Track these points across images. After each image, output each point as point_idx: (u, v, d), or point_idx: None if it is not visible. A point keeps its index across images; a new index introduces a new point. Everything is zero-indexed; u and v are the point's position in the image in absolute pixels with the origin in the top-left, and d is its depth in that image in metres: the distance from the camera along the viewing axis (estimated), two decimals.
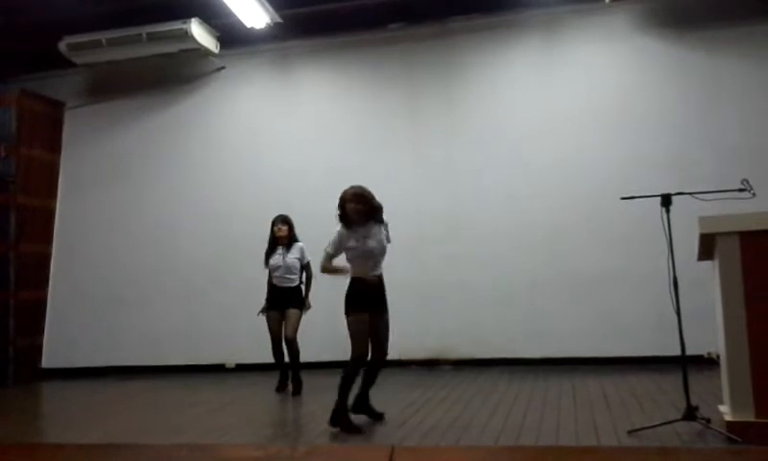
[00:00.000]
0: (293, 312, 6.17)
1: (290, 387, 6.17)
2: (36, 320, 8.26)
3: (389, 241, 4.76)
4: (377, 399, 4.90)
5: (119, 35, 7.57)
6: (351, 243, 4.61)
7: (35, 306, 8.22)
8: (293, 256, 6.24)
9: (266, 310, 6.30)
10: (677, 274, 4.13)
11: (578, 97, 7.29)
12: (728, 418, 3.81)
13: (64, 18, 7.39)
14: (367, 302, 4.55)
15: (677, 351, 4.11)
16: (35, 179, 8.29)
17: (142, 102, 8.48)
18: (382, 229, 4.73)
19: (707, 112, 6.94)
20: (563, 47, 7.46)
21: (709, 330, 4.27)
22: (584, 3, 7.32)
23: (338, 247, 4.66)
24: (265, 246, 6.33)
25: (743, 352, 3.73)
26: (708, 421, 3.93)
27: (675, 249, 4.15)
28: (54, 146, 8.62)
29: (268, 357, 6.41)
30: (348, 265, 4.66)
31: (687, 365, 4.07)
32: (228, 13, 7.18)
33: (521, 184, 7.28)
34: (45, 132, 8.49)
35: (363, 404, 4.77)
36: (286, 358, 6.25)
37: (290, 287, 6.23)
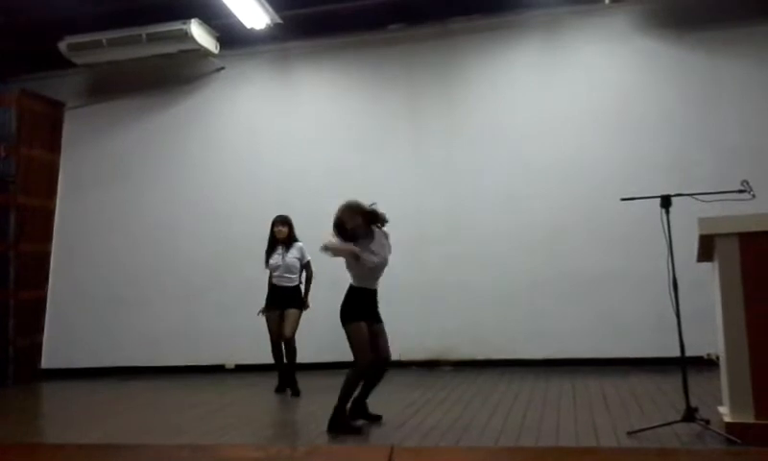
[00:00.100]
0: (292, 312, 6.17)
1: (289, 391, 6.15)
2: (36, 320, 8.26)
3: (390, 252, 4.78)
4: (378, 399, 4.89)
5: (119, 35, 7.57)
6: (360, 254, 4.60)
7: (34, 306, 8.22)
8: (292, 256, 6.24)
9: (265, 310, 6.31)
10: (677, 275, 4.13)
11: (578, 97, 7.29)
12: (727, 419, 3.81)
13: (64, 18, 7.39)
14: (366, 311, 4.57)
15: (676, 352, 4.11)
16: (35, 179, 8.29)
17: (142, 102, 8.49)
18: (389, 240, 4.74)
19: (707, 113, 6.94)
20: (563, 48, 7.46)
21: (709, 332, 4.27)
22: (584, 4, 7.32)
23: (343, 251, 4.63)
24: (265, 246, 6.33)
25: (743, 354, 3.73)
26: (708, 422, 3.93)
27: (675, 250, 4.15)
28: (54, 146, 8.62)
29: (267, 358, 6.41)
30: (354, 246, 4.58)
31: (687, 366, 4.08)
32: (228, 14, 7.18)
33: (521, 184, 7.28)
34: (45, 132, 8.49)
35: (361, 408, 4.76)
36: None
37: (289, 287, 6.23)
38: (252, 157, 8.08)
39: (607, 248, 6.94)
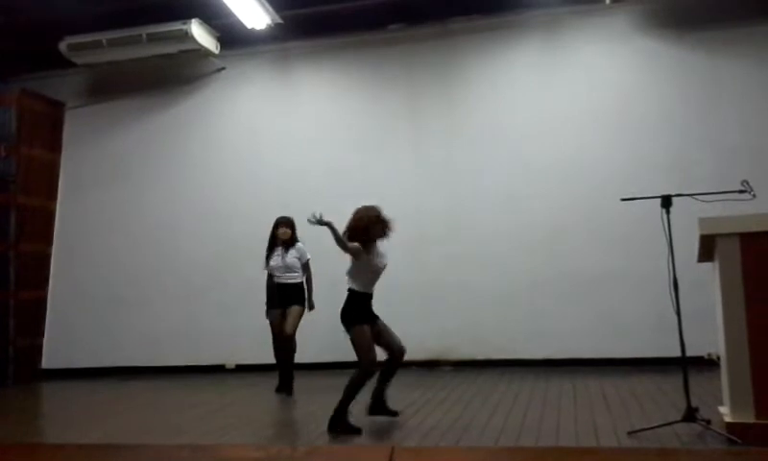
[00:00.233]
0: (294, 309, 6.16)
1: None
2: (36, 320, 8.26)
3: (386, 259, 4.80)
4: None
5: (119, 35, 7.58)
6: (369, 260, 4.61)
7: (35, 306, 8.22)
8: (292, 256, 6.23)
9: (267, 309, 6.31)
10: (677, 275, 4.13)
11: (578, 97, 7.30)
12: (728, 419, 3.81)
13: (64, 18, 7.39)
14: (366, 314, 4.60)
15: (677, 352, 4.11)
16: (35, 179, 8.29)
17: (142, 102, 8.49)
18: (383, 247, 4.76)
19: (707, 113, 6.95)
20: (563, 48, 7.46)
21: (710, 332, 4.27)
22: (584, 4, 7.33)
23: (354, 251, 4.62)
24: (265, 246, 6.33)
25: (743, 354, 3.73)
26: (708, 422, 3.93)
27: (675, 249, 4.15)
28: (54, 146, 8.62)
29: (268, 358, 6.41)
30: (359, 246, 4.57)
31: (687, 366, 4.08)
32: (229, 14, 7.18)
33: (521, 184, 7.28)
34: (45, 132, 8.50)
35: (380, 404, 4.74)
36: None
37: (292, 283, 6.22)
38: (253, 157, 8.08)
39: (607, 248, 6.94)
